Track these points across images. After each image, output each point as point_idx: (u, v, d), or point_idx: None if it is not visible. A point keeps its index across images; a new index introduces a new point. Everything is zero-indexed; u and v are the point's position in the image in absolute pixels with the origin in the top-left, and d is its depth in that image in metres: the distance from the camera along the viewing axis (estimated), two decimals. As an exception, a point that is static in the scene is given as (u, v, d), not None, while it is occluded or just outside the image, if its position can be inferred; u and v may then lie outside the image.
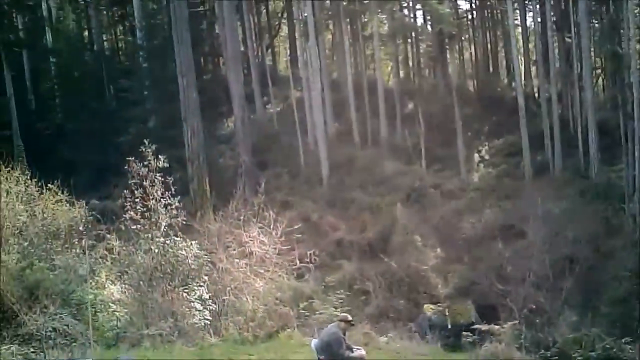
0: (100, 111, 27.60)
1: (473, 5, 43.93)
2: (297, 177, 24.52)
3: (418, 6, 27.00)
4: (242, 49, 33.44)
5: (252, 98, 31.76)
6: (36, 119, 28.09)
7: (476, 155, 27.60)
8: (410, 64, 29.25)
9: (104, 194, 24.57)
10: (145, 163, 13.12)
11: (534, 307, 14.34)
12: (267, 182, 24.04)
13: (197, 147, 18.58)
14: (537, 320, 13.79)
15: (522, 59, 34.91)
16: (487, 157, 27.50)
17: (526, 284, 14.97)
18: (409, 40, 26.24)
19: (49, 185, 16.30)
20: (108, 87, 30.78)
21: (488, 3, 37.53)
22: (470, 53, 45.09)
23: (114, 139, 24.87)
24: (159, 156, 13.26)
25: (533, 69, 33.56)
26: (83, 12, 34.24)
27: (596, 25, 24.76)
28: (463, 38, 45.66)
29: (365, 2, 25.28)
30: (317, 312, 13.72)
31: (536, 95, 31.03)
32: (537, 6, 29.54)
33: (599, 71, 30.60)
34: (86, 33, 34.71)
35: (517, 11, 32.54)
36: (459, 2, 43.41)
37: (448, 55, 27.92)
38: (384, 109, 27.13)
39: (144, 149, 13.23)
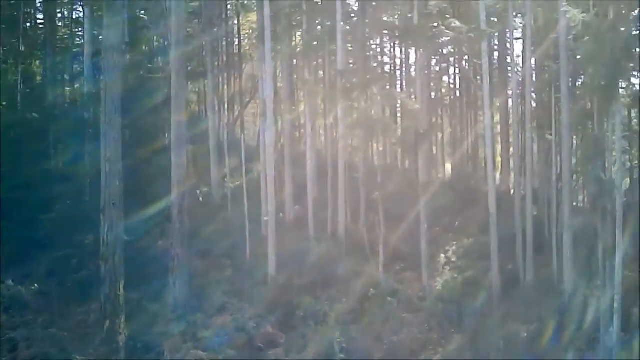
0: (39, 178, 25.03)
1: (452, 86, 42.96)
2: (241, 271, 22.07)
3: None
4: (211, 113, 31.48)
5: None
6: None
7: (442, 255, 25.40)
8: (376, 153, 27.24)
9: (26, 272, 22.03)
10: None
11: None
12: (206, 274, 21.88)
13: (114, 243, 16.11)
14: None
15: (501, 149, 33.23)
16: (454, 259, 25.28)
17: None
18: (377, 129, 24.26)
19: None
20: (55, 148, 28.36)
21: (467, 89, 36.21)
22: (450, 132, 43.70)
23: (43, 214, 22.40)
24: None
25: (511, 163, 31.86)
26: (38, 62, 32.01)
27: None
28: (441, 114, 44.60)
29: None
30: None
31: (512, 192, 29.22)
32: (518, 99, 27.91)
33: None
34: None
35: (497, 102, 31.06)
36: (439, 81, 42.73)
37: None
38: (344, 196, 24.95)
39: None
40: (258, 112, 38.91)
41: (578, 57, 19.96)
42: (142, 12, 30.83)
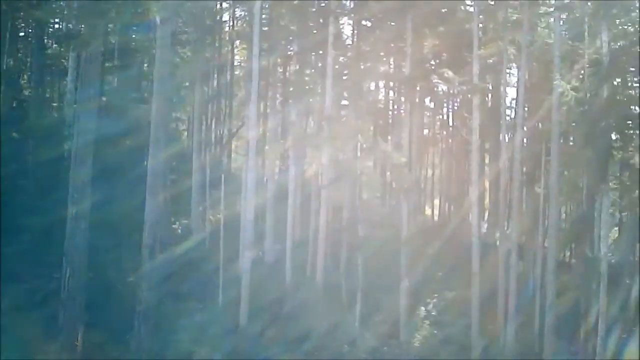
0: (10, 206, 23.90)
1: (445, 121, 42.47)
2: (212, 317, 21.27)
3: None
4: (197, 144, 30.71)
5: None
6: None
7: (423, 308, 24.67)
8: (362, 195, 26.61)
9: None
10: None
11: None
12: (175, 318, 21.05)
13: (75, 289, 15.36)
14: None
15: (489, 196, 32.56)
16: (434, 312, 24.57)
17: None
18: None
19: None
20: (34, 173, 27.29)
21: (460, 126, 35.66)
22: (441, 169, 43.11)
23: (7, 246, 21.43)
24: None
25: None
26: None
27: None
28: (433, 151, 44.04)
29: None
30: None
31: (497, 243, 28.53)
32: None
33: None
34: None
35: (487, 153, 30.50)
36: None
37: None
38: (324, 242, 24.24)
39: None
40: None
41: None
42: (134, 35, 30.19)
